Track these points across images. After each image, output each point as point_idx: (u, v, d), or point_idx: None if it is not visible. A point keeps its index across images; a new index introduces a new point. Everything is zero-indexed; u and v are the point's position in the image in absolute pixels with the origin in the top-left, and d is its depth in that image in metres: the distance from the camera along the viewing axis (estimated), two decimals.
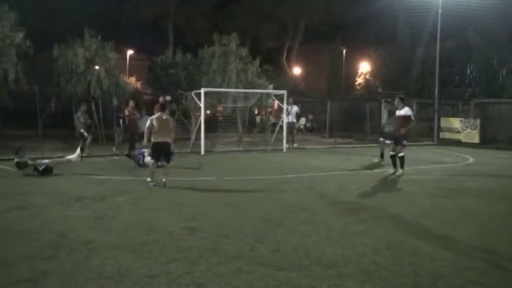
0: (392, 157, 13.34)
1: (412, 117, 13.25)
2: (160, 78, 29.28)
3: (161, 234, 6.79)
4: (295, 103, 22.69)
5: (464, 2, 28.51)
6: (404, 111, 13.17)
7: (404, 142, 13.28)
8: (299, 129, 28.30)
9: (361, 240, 6.61)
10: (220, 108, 23.27)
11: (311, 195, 10.06)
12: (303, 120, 31.70)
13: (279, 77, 40.55)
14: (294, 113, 21.90)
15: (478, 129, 24.02)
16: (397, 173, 13.03)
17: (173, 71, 28.82)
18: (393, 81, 33.90)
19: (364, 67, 44.78)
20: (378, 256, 5.95)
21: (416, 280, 5.19)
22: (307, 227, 7.31)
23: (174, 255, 5.85)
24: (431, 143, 25.48)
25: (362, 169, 14.75)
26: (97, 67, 21.55)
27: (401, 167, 13.11)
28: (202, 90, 18.70)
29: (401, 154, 13.08)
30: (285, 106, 20.64)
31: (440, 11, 26.49)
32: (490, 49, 29.80)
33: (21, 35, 19.81)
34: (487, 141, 23.62)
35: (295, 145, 21.48)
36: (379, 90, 35.64)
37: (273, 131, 22.83)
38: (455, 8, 27.93)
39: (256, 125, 28.46)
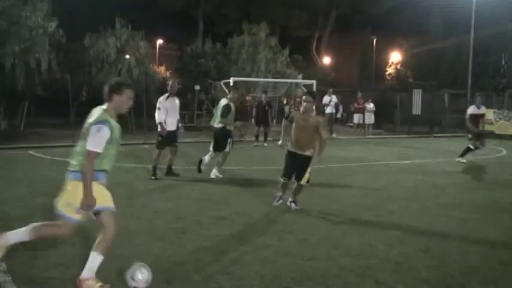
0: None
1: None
2: (190, 67, 29.40)
3: (190, 223, 6.83)
4: (330, 93, 22.41)
5: None
6: (483, 110, 14.01)
7: (469, 135, 13.91)
8: (335, 120, 28.11)
9: (390, 232, 6.54)
10: (248, 98, 23.24)
11: (340, 186, 10.00)
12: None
13: (308, 66, 40.34)
14: (333, 104, 21.69)
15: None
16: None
17: (202, 60, 28.89)
18: (425, 72, 33.38)
19: (395, 57, 44.14)
20: (407, 247, 5.88)
21: (446, 272, 5.11)
22: (336, 218, 7.27)
23: (202, 243, 5.89)
24: (463, 134, 24.94)
25: (392, 160, 14.59)
26: (127, 56, 21.78)
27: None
28: (231, 80, 18.71)
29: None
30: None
31: None
32: None
33: (54, 24, 20.15)
34: None
35: (334, 135, 21.21)
36: (410, 80, 35.18)
37: None
38: None
39: (285, 115, 28.36)
